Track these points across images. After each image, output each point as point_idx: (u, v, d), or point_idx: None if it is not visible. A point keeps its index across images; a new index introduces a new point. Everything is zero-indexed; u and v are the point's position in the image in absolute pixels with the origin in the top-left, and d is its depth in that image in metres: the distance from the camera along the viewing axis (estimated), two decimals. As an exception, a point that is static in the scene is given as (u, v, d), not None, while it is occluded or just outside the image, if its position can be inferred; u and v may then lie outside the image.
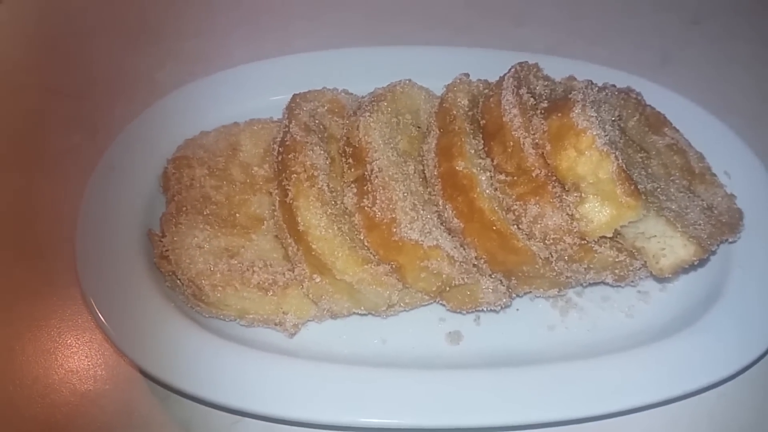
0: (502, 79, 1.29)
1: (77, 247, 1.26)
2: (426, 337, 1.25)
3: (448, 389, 1.14)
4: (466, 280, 1.13)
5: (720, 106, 1.57)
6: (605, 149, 1.09)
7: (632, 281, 1.26)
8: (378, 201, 1.14)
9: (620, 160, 1.08)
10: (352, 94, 1.41)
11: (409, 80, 1.36)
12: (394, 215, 1.12)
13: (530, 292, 1.25)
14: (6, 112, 1.71)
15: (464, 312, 1.23)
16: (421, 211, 1.14)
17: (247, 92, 1.53)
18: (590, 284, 1.28)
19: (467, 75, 1.35)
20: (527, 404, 1.12)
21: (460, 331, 1.26)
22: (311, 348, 1.22)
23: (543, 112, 1.21)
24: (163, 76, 1.78)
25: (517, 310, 1.29)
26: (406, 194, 1.14)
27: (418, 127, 1.34)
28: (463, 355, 1.24)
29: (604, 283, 1.25)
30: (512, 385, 1.14)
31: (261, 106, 1.49)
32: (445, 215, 1.17)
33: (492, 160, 1.21)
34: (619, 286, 1.29)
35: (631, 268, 1.21)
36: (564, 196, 1.13)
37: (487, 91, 1.33)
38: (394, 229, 1.12)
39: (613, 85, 1.40)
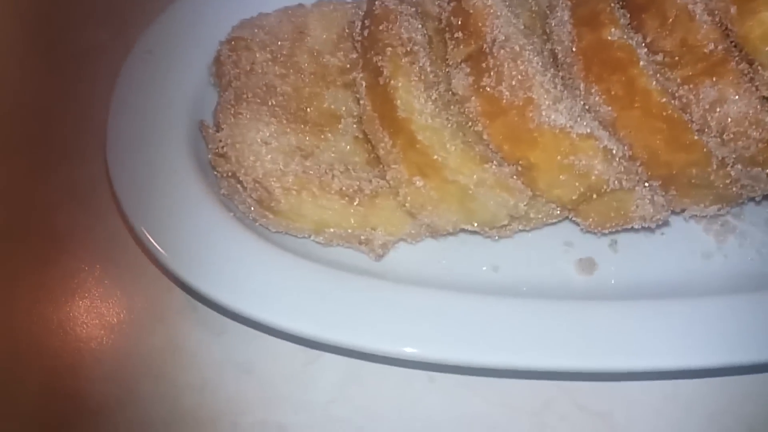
0: (649, -62, 0.99)
1: (109, 148, 1.00)
2: (550, 265, 0.99)
3: (582, 327, 0.89)
4: (624, 184, 0.85)
5: None
6: (824, 6, 0.80)
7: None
8: (506, 78, 0.87)
9: None
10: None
11: (526, -55, 1.07)
12: (530, 94, 0.85)
13: (685, 209, 0.97)
14: (21, 8, 1.43)
15: (602, 232, 0.96)
16: (565, 92, 0.86)
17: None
18: (760, 201, 1.00)
19: (600, -62, 1.05)
20: (682, 346, 0.88)
21: (593, 259, 0.99)
22: (403, 274, 0.96)
23: (718, -30, 0.92)
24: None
25: (662, 234, 1.02)
26: (544, 69, 0.86)
27: (537, 2, 1.05)
28: (598, 287, 0.97)
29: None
30: (662, 323, 0.90)
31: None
32: (590, 102, 0.89)
33: (643, 38, 0.93)
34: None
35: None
36: (755, 75, 0.85)
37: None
38: (531, 113, 0.85)
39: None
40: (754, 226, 1.03)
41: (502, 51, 0.88)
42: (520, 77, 0.86)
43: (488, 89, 0.88)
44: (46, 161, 1.15)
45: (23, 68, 1.32)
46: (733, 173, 0.90)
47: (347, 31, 1.12)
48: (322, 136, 1.01)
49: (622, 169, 0.85)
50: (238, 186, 0.95)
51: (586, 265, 0.98)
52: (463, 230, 0.96)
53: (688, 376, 0.93)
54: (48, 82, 1.28)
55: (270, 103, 1.01)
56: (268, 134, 0.97)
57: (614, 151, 0.84)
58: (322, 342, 0.88)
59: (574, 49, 0.92)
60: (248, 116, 0.98)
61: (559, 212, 0.94)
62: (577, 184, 0.87)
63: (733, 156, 0.89)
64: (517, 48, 0.87)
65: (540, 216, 0.94)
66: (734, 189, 0.92)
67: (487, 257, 0.98)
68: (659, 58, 0.92)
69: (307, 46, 1.12)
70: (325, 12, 1.15)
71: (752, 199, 0.97)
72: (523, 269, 0.98)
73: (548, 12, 1.03)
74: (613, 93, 0.88)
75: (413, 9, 1.00)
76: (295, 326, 0.86)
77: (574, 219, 0.95)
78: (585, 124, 0.84)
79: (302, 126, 1.01)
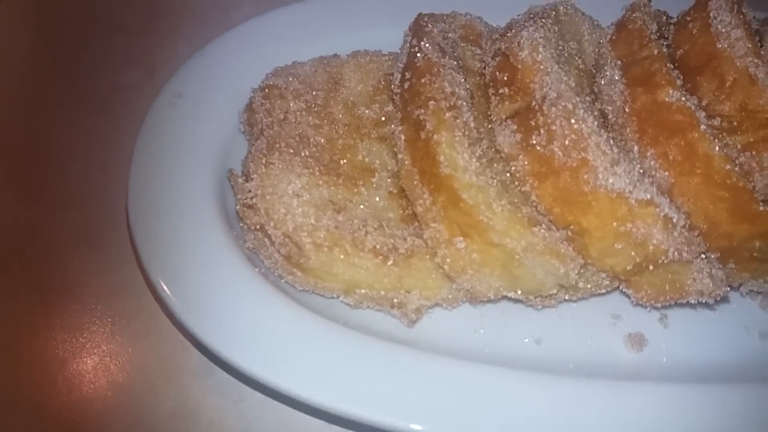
0: (704, 1, 0.95)
1: (131, 194, 0.95)
2: (597, 339, 0.92)
3: (631, 407, 0.83)
4: (684, 255, 0.79)
5: None
6: None
7: None
8: (558, 137, 0.81)
9: None
10: (489, 23, 1.09)
11: (572, 3, 1.03)
12: (585, 155, 0.79)
13: (743, 283, 0.90)
14: (51, 45, 1.41)
15: (654, 306, 0.89)
16: (621, 154, 0.81)
17: (350, 19, 1.21)
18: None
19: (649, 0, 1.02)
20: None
21: (643, 334, 0.92)
22: (437, 343, 0.89)
23: (779, 34, 0.88)
24: (239, 15, 1.47)
25: (715, 310, 0.95)
26: (600, 128, 0.81)
27: (584, 61, 1.01)
28: (649, 365, 0.90)
29: None
30: (714, 408, 0.84)
31: (366, 39, 1.16)
32: (644, 166, 0.84)
33: (699, 101, 0.88)
34: None
35: None
36: (823, 144, 0.80)
37: (672, 19, 1.01)
38: (585, 175, 0.79)
39: None
40: (816, 304, 0.96)
41: (553, 108, 0.83)
42: (574, 137, 0.81)
43: (538, 148, 0.83)
44: (64, 202, 1.10)
45: (49, 106, 1.28)
46: (799, 248, 0.83)
47: (383, 83, 1.09)
48: (356, 190, 0.96)
49: (683, 239, 0.78)
50: (266, 240, 0.89)
51: (636, 340, 0.91)
52: (504, 297, 0.89)
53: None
54: (73, 122, 1.24)
55: (303, 154, 0.96)
56: (300, 186, 0.92)
57: (675, 220, 0.78)
58: (342, 416, 0.80)
59: (626, 110, 0.88)
60: (280, 166, 0.93)
61: (609, 282, 0.87)
62: (633, 253, 0.81)
63: (801, 229, 0.82)
64: (570, 106, 0.82)
65: (589, 286, 0.88)
66: (799, 264, 0.86)
67: (529, 328, 0.92)
68: (716, 122, 0.87)
69: (342, 96, 1.08)
70: (361, 63, 1.11)
71: (816, 275, 0.91)
72: (568, 343, 0.91)
73: (595, 71, 0.99)
74: (671, 157, 0.83)
75: (455, 62, 0.96)
76: (314, 398, 0.79)
77: (624, 290, 0.88)
78: (645, 189, 0.78)
79: (335, 179, 0.96)
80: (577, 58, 1.00)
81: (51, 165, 1.16)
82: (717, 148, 0.81)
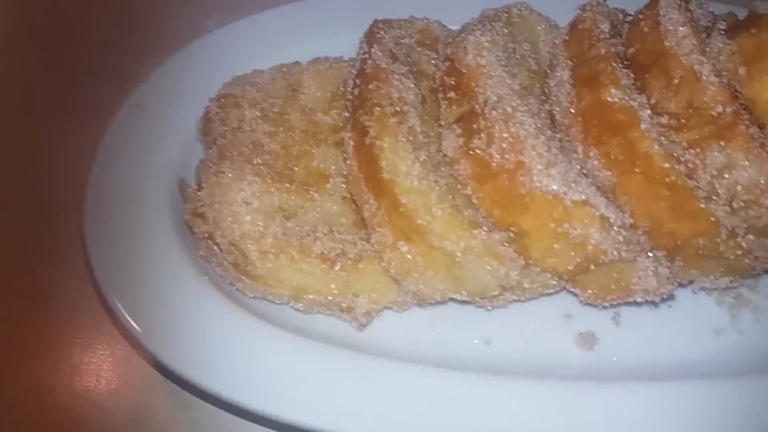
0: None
1: (88, 203, 0.97)
2: (547, 339, 0.92)
3: (579, 408, 0.83)
4: (623, 255, 0.78)
5: None
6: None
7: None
8: (496, 140, 0.82)
9: None
10: (446, 27, 1.09)
11: (527, 4, 1.04)
12: (521, 158, 0.80)
13: (693, 280, 0.90)
14: (20, 58, 1.43)
15: (603, 305, 0.89)
16: (559, 156, 0.81)
17: (309, 29, 1.22)
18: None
19: (604, -2, 1.02)
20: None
21: (594, 333, 0.92)
22: (387, 345, 0.90)
23: (725, 32, 0.88)
24: (213, 24, 1.49)
25: (670, 306, 0.94)
26: (537, 132, 0.81)
27: (537, 62, 1.01)
28: (599, 364, 0.90)
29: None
30: (666, 406, 0.83)
31: (327, 46, 1.17)
32: (588, 166, 0.84)
33: (648, 99, 0.88)
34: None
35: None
36: (765, 139, 0.79)
37: (628, 17, 1.01)
38: (521, 178, 0.79)
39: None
40: (771, 299, 0.96)
41: (494, 112, 0.84)
42: (511, 140, 0.81)
43: (478, 151, 0.84)
44: (27, 215, 1.12)
45: (24, 120, 1.31)
46: (744, 244, 0.83)
47: (342, 89, 1.09)
48: (309, 196, 0.97)
49: (622, 238, 0.78)
50: (216, 248, 0.90)
51: (587, 339, 0.91)
52: (453, 299, 0.89)
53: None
54: (49, 136, 1.26)
55: (255, 162, 0.97)
56: (249, 194, 0.93)
57: (612, 220, 0.78)
58: (290, 425, 0.81)
59: (572, 111, 0.88)
60: (231, 175, 0.94)
61: (555, 282, 0.87)
62: (572, 253, 0.81)
63: (744, 225, 0.82)
64: (509, 109, 0.83)
65: (535, 286, 0.88)
66: (746, 260, 0.86)
67: (479, 329, 0.92)
68: (664, 120, 0.86)
69: (300, 103, 1.09)
70: (321, 70, 1.12)
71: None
72: (518, 343, 0.91)
73: (549, 71, 0.99)
74: (612, 157, 0.83)
75: (407, 68, 0.96)
76: (260, 408, 0.80)
77: (571, 290, 0.88)
78: (581, 190, 0.78)
79: (288, 185, 0.97)
80: (530, 59, 1.00)
81: (17, 180, 1.18)
82: (657, 146, 0.80)
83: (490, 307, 0.91)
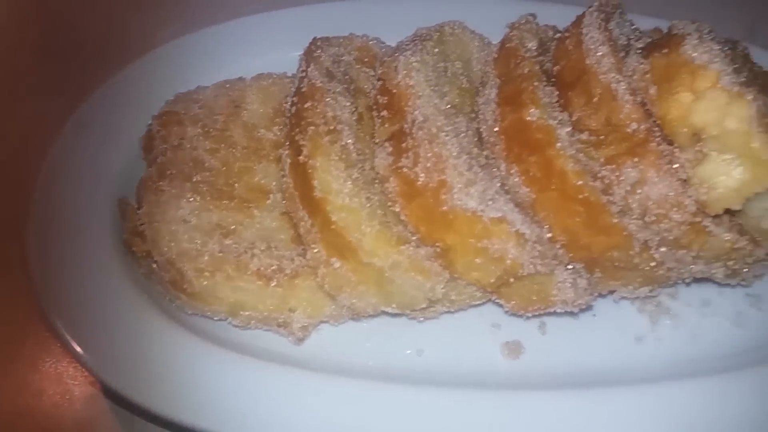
0: (580, 17, 0.99)
1: (31, 222, 0.98)
2: (475, 349, 0.96)
3: (505, 416, 0.87)
4: (539, 268, 0.83)
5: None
6: (736, 89, 0.79)
7: (745, 279, 0.96)
8: (422, 160, 0.85)
9: (760, 102, 0.78)
10: (385, 44, 1.13)
11: (461, 22, 1.07)
12: (443, 177, 0.83)
13: (614, 290, 0.94)
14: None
15: (527, 315, 0.93)
16: (480, 174, 0.85)
17: (254, 45, 1.25)
18: (690, 283, 0.97)
19: (534, 16, 1.06)
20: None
21: (521, 342, 0.96)
22: (324, 358, 0.94)
23: (641, 51, 0.92)
24: (165, 35, 1.50)
25: (594, 315, 0.99)
26: (459, 151, 0.85)
27: (469, 80, 1.04)
28: (525, 372, 0.94)
29: (711, 280, 0.95)
30: (588, 413, 0.88)
31: (272, 61, 1.20)
32: (510, 183, 0.88)
33: (570, 116, 0.92)
34: (728, 285, 0.99)
35: (749, 260, 0.92)
36: (674, 156, 0.84)
37: (557, 35, 1.05)
38: (444, 196, 0.83)
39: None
40: (688, 306, 1.01)
41: (420, 132, 0.87)
42: (434, 159, 0.85)
43: (405, 170, 0.87)
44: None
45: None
46: (657, 256, 0.87)
47: (285, 105, 1.12)
48: (248, 212, 1.00)
49: (537, 253, 0.82)
50: (154, 265, 0.93)
51: (513, 348, 0.95)
52: (385, 312, 0.93)
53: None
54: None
55: (194, 179, 1.00)
56: (188, 211, 0.95)
57: (527, 235, 0.82)
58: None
59: (496, 129, 0.91)
60: (170, 193, 0.96)
61: (480, 294, 0.91)
62: (493, 267, 0.85)
63: (657, 239, 0.86)
64: (434, 129, 0.86)
65: (462, 297, 0.92)
66: (661, 271, 0.90)
67: (411, 340, 0.96)
68: (585, 136, 0.90)
69: (243, 119, 1.11)
70: (264, 86, 1.15)
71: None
72: (448, 353, 0.95)
73: (480, 89, 1.03)
74: (531, 174, 0.86)
75: (343, 86, 0.99)
76: (200, 423, 0.82)
77: (497, 301, 0.92)
78: (498, 207, 0.82)
79: (227, 202, 0.99)
80: (461, 78, 1.04)
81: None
82: (572, 163, 0.84)
83: (422, 319, 0.95)
